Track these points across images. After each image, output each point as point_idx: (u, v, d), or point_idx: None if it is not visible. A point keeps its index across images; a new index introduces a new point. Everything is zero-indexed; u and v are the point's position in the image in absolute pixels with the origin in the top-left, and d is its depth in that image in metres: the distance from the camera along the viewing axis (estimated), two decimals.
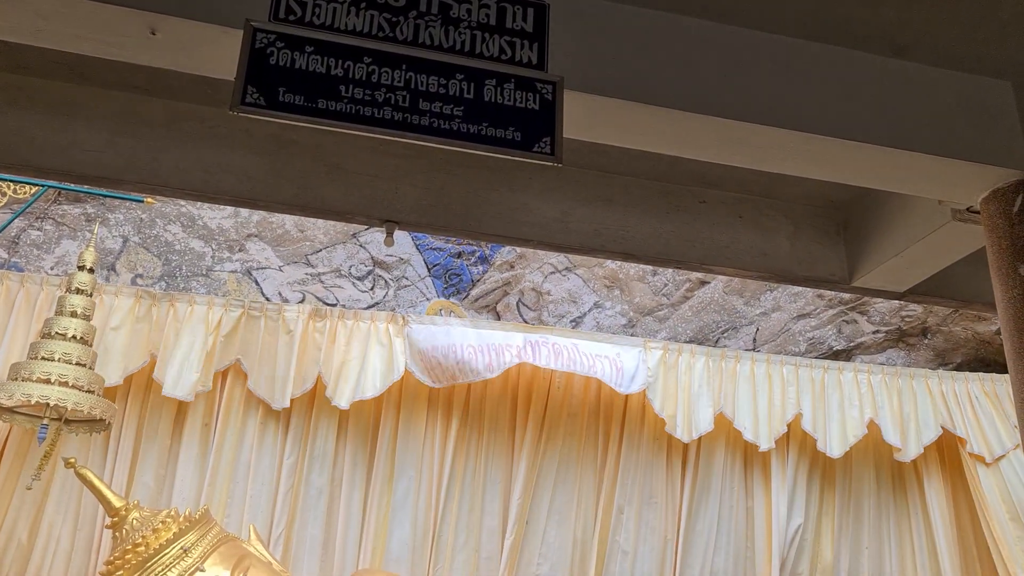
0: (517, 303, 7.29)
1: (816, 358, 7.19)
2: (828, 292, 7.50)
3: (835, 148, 2.89)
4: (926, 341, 7.61)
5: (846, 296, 7.49)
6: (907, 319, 7.52)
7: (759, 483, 6.72)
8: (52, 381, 4.96)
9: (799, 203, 4.01)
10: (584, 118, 2.85)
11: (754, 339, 7.49)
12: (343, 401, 6.11)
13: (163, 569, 4.94)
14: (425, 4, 2.73)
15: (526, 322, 7.06)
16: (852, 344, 7.59)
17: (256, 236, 6.87)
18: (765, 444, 6.53)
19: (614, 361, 6.49)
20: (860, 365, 7.09)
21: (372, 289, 7.06)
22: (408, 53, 2.65)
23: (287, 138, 3.51)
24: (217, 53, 2.59)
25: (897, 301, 7.34)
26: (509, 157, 2.66)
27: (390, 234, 3.60)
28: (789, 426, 6.66)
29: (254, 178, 3.46)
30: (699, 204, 3.95)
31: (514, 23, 2.78)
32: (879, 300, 7.52)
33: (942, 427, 6.80)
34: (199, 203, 6.73)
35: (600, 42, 2.81)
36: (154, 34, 2.53)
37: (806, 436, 6.70)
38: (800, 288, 7.53)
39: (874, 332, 7.58)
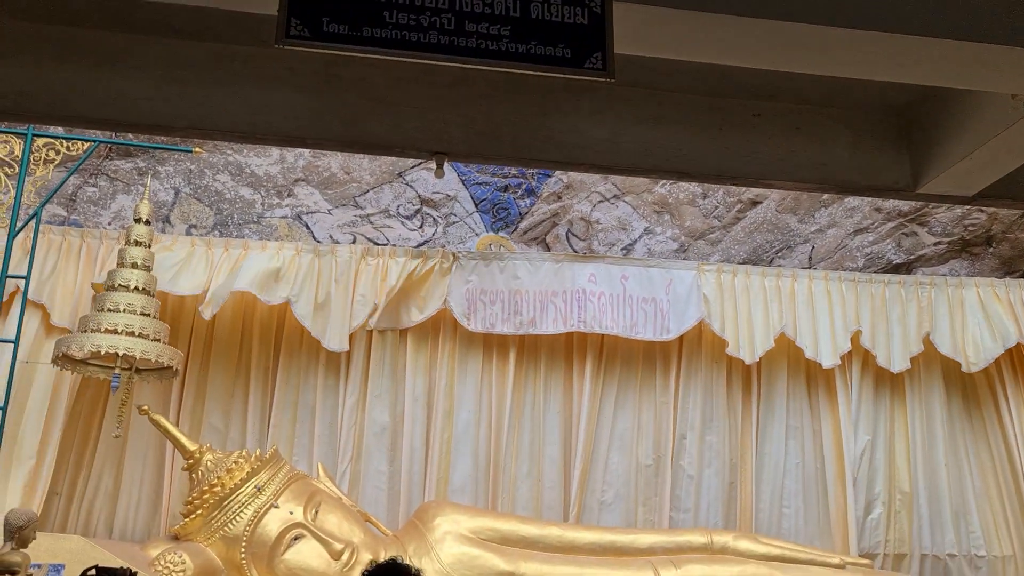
0: (567, 233, 7.23)
1: (875, 272, 7.04)
2: (886, 205, 7.29)
3: (898, 44, 2.75)
4: (991, 250, 7.38)
5: (905, 208, 7.28)
6: (970, 228, 7.29)
7: (824, 403, 6.65)
8: (119, 331, 5.09)
9: (859, 110, 3.86)
10: (634, 31, 2.75)
11: (810, 257, 7.35)
12: (400, 334, 6.19)
13: (239, 507, 5.13)
14: None
15: (576, 252, 7.02)
16: (912, 257, 7.40)
17: (304, 180, 6.90)
18: (828, 361, 6.44)
19: (661, 304, 6.43)
20: (922, 278, 6.93)
21: (421, 227, 7.06)
22: None
23: (332, 73, 3.47)
24: None
25: (960, 209, 7.13)
26: (560, 75, 2.60)
27: (440, 166, 3.57)
28: (851, 342, 6.55)
29: (300, 116, 3.44)
30: (753, 118, 3.82)
31: None
32: (940, 210, 7.29)
33: (1015, 339, 6.57)
34: (246, 151, 6.76)
35: None
36: None
37: (868, 353, 6.59)
38: (856, 202, 7.34)
39: (935, 243, 7.38)
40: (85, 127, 3.76)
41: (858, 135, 3.83)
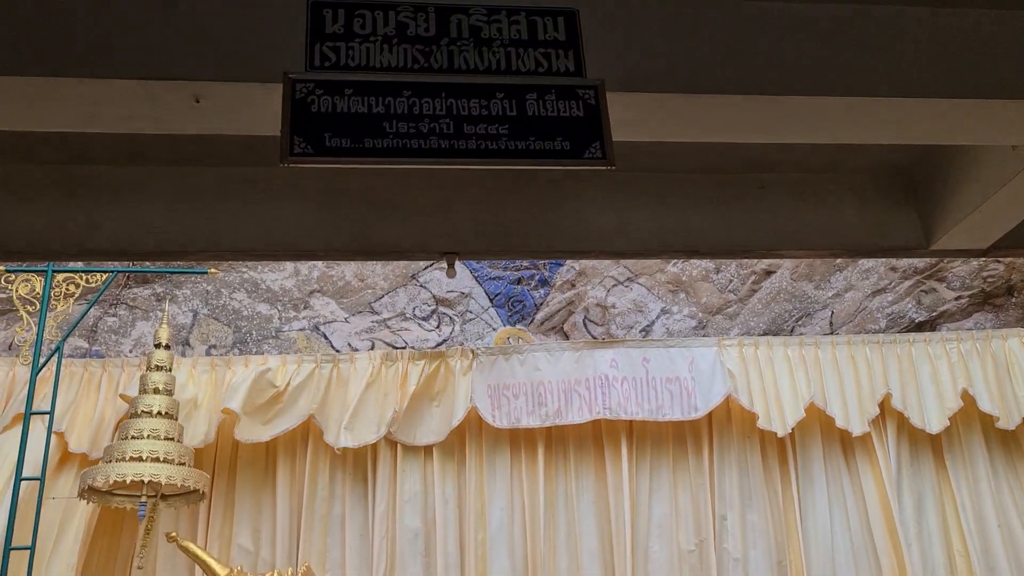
0: (583, 320, 7.23)
1: (899, 333, 6.95)
2: (901, 264, 7.26)
3: (894, 108, 2.78)
4: (1013, 300, 7.29)
5: (920, 265, 7.25)
6: (989, 280, 7.23)
7: (865, 469, 6.45)
8: (144, 458, 5.07)
9: (862, 174, 3.89)
10: (630, 118, 2.80)
11: (831, 323, 7.29)
12: (424, 440, 6.13)
13: None
14: (456, 30, 2.73)
15: (594, 338, 6.99)
16: (935, 314, 7.32)
17: (319, 292, 6.97)
18: (857, 429, 6.30)
19: (685, 383, 6.37)
20: (948, 334, 6.83)
21: (438, 327, 7.08)
22: (446, 80, 2.65)
23: (337, 187, 3.54)
24: (260, 111, 2.62)
25: (976, 262, 7.08)
26: (561, 168, 2.63)
27: (451, 265, 3.59)
28: (882, 406, 6.41)
29: (310, 230, 3.50)
30: (758, 190, 3.85)
31: (546, 34, 2.76)
32: (957, 264, 7.24)
33: None
34: (260, 267, 6.86)
35: (635, 39, 2.77)
36: (198, 102, 2.57)
37: (901, 415, 6.44)
38: (871, 264, 7.31)
39: (956, 298, 7.30)
40: (103, 260, 3.84)
41: (865, 198, 3.84)
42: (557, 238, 3.63)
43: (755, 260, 7.32)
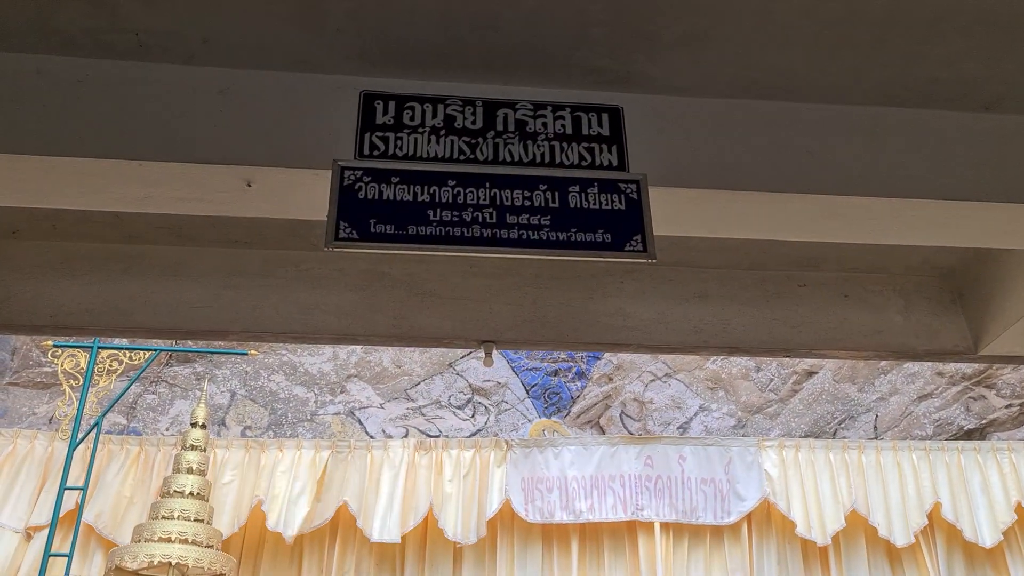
0: (620, 415, 7.12)
1: (947, 440, 6.73)
2: (948, 369, 7.08)
3: (940, 209, 2.76)
4: None
5: (968, 371, 7.06)
6: None
7: None
8: (173, 539, 5.03)
9: (907, 276, 3.84)
10: (672, 213, 2.82)
11: (874, 427, 7.09)
12: (454, 534, 6.00)
13: None
14: (502, 123, 2.79)
15: (631, 433, 6.87)
16: (984, 422, 7.09)
17: (356, 376, 6.98)
18: (902, 539, 6.04)
19: (720, 485, 6.21)
20: (999, 444, 6.59)
21: (473, 416, 7.02)
22: (490, 172, 2.70)
23: (379, 271, 3.58)
24: (308, 196, 2.68)
25: None
26: (602, 260, 2.64)
27: (488, 354, 3.58)
28: (930, 517, 6.16)
29: (350, 314, 3.52)
30: (799, 288, 3.82)
31: (590, 129, 2.81)
32: (1005, 371, 7.05)
33: None
34: (299, 350, 6.92)
35: (679, 136, 2.81)
36: (250, 186, 2.64)
37: (952, 527, 6.17)
38: (917, 368, 7.14)
39: (1007, 406, 7.08)
40: (147, 337, 3.90)
41: (910, 299, 3.78)
42: (595, 330, 3.61)
43: (797, 360, 7.20)
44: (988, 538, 6.06)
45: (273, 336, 3.52)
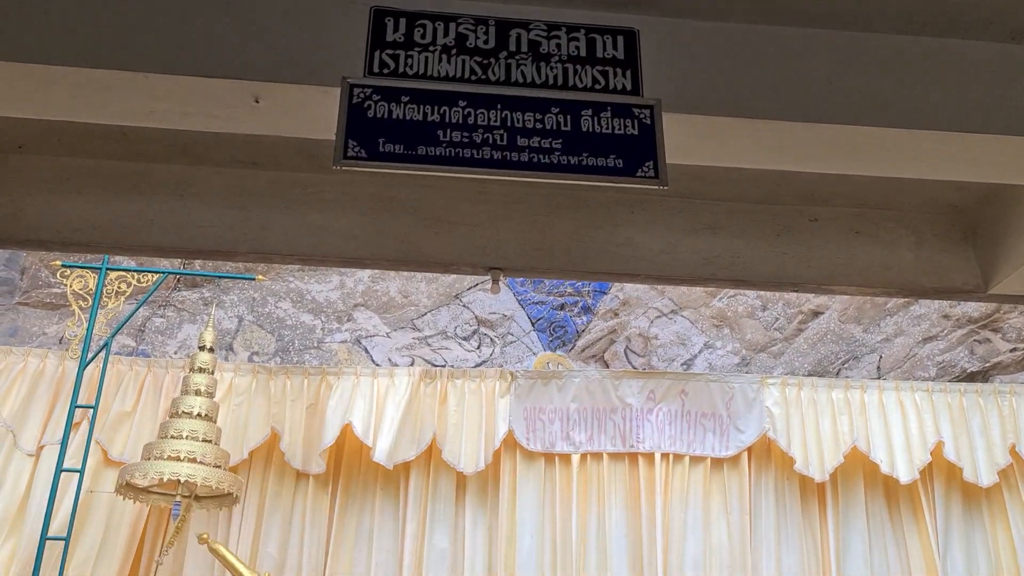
0: (625, 350, 7.15)
1: (950, 382, 6.75)
2: (955, 312, 7.07)
3: (958, 143, 2.72)
4: None
5: (975, 314, 7.05)
6: None
7: (909, 520, 6.26)
8: (182, 458, 5.11)
9: (919, 212, 3.80)
10: (685, 140, 2.77)
11: (878, 367, 7.11)
12: (458, 462, 6.09)
13: None
14: (515, 44, 2.73)
15: (634, 368, 6.91)
16: (988, 365, 7.10)
17: (363, 305, 7.01)
18: (906, 476, 6.12)
19: (721, 420, 6.27)
20: (1001, 386, 6.62)
21: (479, 348, 7.06)
22: (502, 92, 2.65)
23: (388, 196, 3.56)
24: (317, 113, 2.65)
25: None
26: (613, 184, 2.61)
27: (496, 281, 3.58)
28: (932, 455, 6.22)
29: (358, 238, 3.51)
30: (811, 223, 3.78)
31: (604, 52, 2.75)
32: (1012, 315, 7.03)
33: None
34: (306, 278, 6.93)
35: (694, 61, 2.75)
36: (257, 102, 2.61)
37: (952, 466, 6.25)
38: (923, 309, 7.13)
39: (1011, 350, 7.08)
40: (153, 255, 3.91)
41: (921, 236, 3.75)
42: (604, 259, 3.60)
43: (803, 300, 7.19)
44: (985, 478, 6.14)
45: (280, 258, 3.51)
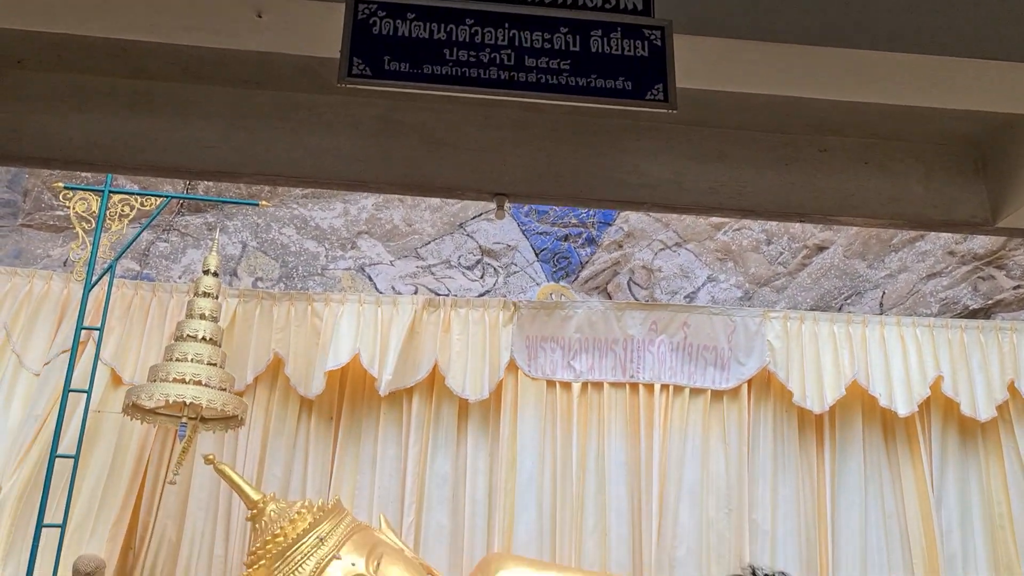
0: (628, 282, 7.16)
1: (951, 318, 6.77)
2: (960, 248, 7.05)
3: (972, 70, 2.66)
4: None
5: (980, 251, 7.03)
6: None
7: (904, 454, 6.35)
8: (187, 381, 5.17)
9: (931, 143, 3.74)
10: (696, 63, 2.72)
11: (880, 303, 7.12)
12: (461, 389, 6.16)
13: (302, 558, 5.08)
14: None
15: (637, 300, 6.93)
16: (990, 302, 7.11)
17: (366, 233, 6.99)
18: (904, 409, 6.19)
19: (722, 352, 6.31)
20: (1002, 323, 6.64)
21: (482, 277, 7.07)
22: (510, 11, 2.60)
23: (392, 118, 3.51)
24: (321, 29, 2.60)
25: None
26: (621, 107, 2.57)
27: (500, 207, 3.55)
28: (931, 389, 6.28)
29: (362, 161, 3.48)
30: (820, 153, 3.73)
31: None
32: (1018, 253, 7.01)
33: None
34: (310, 204, 6.90)
35: None
36: (260, 17, 2.56)
37: (949, 401, 6.31)
38: (929, 246, 7.11)
39: (1015, 287, 7.08)
40: (156, 175, 3.88)
41: (931, 168, 3.71)
42: (610, 187, 3.57)
43: (808, 234, 7.16)
44: (983, 412, 6.20)
45: (284, 180, 3.49)
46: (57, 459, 5.13)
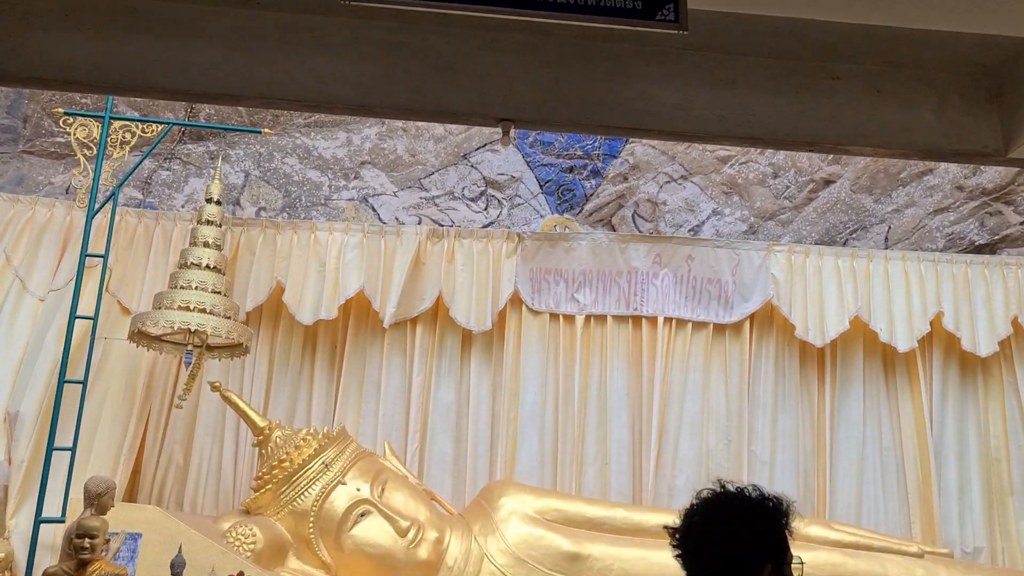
0: (632, 215, 7.12)
1: (956, 253, 6.75)
2: (968, 183, 6.99)
3: None
4: None
5: (989, 185, 6.98)
6: None
7: (904, 388, 6.40)
8: (192, 308, 5.19)
9: (944, 71, 3.66)
10: None
11: (886, 238, 7.09)
12: (465, 320, 6.19)
13: (307, 483, 5.19)
14: None
15: (641, 233, 6.91)
16: (997, 237, 7.07)
17: (370, 163, 6.93)
18: (904, 344, 6.21)
19: (726, 286, 6.31)
20: (1007, 258, 6.62)
21: (486, 209, 7.04)
22: None
23: (396, 41, 3.43)
24: None
25: None
26: (631, 27, 2.51)
27: (506, 133, 3.50)
28: (930, 326, 6.30)
29: (367, 85, 3.42)
30: (832, 81, 3.66)
31: None
32: None
33: None
34: (313, 134, 6.83)
35: None
36: None
37: (951, 336, 6.33)
38: (937, 180, 7.05)
39: (1022, 223, 7.04)
40: (157, 97, 3.83)
41: (944, 97, 3.64)
42: (617, 113, 3.51)
43: (815, 168, 7.09)
44: (984, 347, 6.22)
45: (287, 104, 3.44)
46: (66, 384, 5.19)
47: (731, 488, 1.69)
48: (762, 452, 6.22)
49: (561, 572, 5.11)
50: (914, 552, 5.48)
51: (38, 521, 4.83)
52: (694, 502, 1.77)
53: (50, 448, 5.01)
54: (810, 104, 3.65)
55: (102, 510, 4.28)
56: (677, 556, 1.72)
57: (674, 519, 1.74)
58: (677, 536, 1.74)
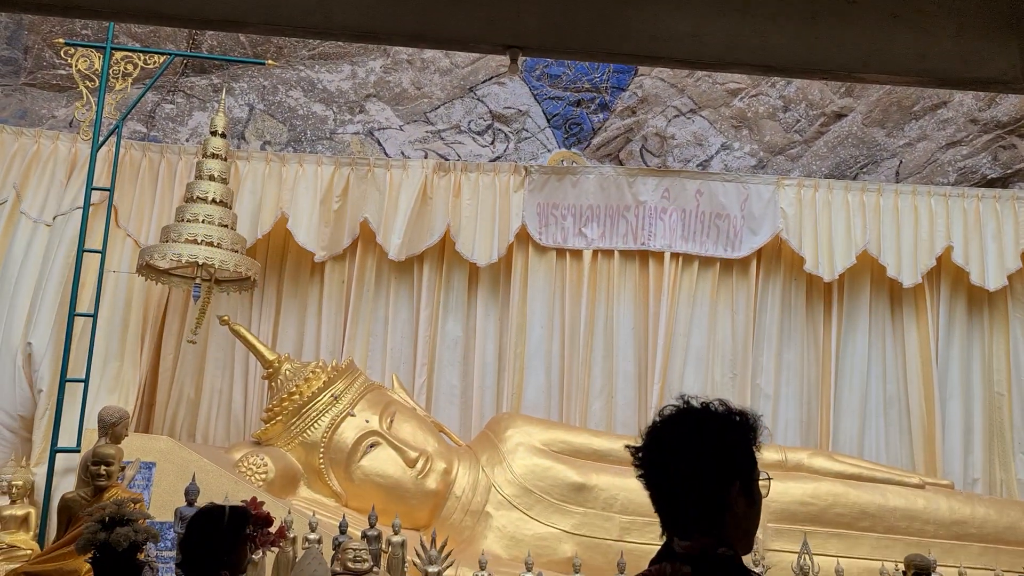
0: (640, 149, 7.05)
1: (968, 187, 6.68)
2: (982, 116, 6.88)
3: None
4: None
5: (1004, 118, 6.87)
6: None
7: (910, 322, 6.40)
8: (199, 241, 5.18)
9: None
10: None
11: (897, 173, 7.02)
12: (471, 253, 6.18)
13: (317, 415, 5.25)
14: None
15: (649, 167, 6.85)
16: (1009, 171, 6.99)
17: (375, 96, 6.84)
18: (908, 279, 6.20)
19: (734, 221, 6.26)
20: (1018, 192, 6.56)
21: (492, 143, 6.96)
22: None
23: None
24: None
25: None
26: None
27: (514, 61, 3.43)
28: (939, 260, 6.27)
29: (372, 10, 3.34)
30: (848, 5, 3.57)
31: None
32: None
33: None
34: (317, 67, 6.72)
35: None
36: None
37: (959, 271, 6.31)
38: (951, 114, 6.94)
39: None
40: (158, 23, 3.75)
41: (962, 24, 3.55)
42: (627, 40, 3.44)
43: (827, 101, 6.98)
44: (992, 282, 6.20)
45: (292, 30, 3.36)
46: (76, 317, 5.22)
47: (696, 403, 1.61)
48: (767, 386, 6.27)
49: (567, 502, 5.19)
50: (915, 483, 5.55)
51: (54, 450, 4.91)
52: (657, 419, 1.63)
53: (63, 379, 5.06)
54: (824, 30, 3.56)
55: (116, 439, 4.35)
56: (640, 476, 1.58)
57: (636, 438, 1.61)
58: (640, 455, 1.58)
